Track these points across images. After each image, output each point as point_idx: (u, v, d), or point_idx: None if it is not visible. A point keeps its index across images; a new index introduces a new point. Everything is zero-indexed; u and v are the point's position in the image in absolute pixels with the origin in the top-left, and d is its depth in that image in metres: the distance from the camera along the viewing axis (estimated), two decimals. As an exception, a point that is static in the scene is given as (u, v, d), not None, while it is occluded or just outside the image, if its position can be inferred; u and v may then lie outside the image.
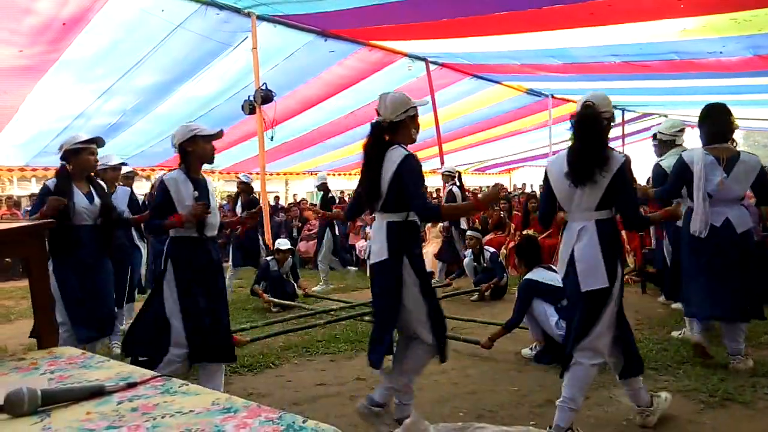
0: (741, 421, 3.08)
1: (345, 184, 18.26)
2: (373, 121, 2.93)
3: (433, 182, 17.03)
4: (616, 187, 2.75)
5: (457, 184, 8.07)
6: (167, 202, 3.19)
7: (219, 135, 3.32)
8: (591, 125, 2.81)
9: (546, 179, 2.99)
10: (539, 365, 4.20)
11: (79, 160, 3.71)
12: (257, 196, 7.84)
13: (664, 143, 4.77)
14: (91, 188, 3.78)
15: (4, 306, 7.50)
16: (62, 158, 3.73)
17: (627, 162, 2.81)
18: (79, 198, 3.67)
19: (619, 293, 2.82)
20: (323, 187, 8.54)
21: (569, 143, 2.92)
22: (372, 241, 2.97)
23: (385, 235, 2.82)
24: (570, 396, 2.80)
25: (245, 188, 7.72)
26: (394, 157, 2.79)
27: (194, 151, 3.26)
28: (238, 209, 7.54)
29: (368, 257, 3.00)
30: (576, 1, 5.78)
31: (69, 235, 3.59)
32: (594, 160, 2.74)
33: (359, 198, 3.07)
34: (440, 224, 9.50)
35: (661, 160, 4.71)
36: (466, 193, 8.63)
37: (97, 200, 3.75)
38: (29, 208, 12.01)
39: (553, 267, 4.61)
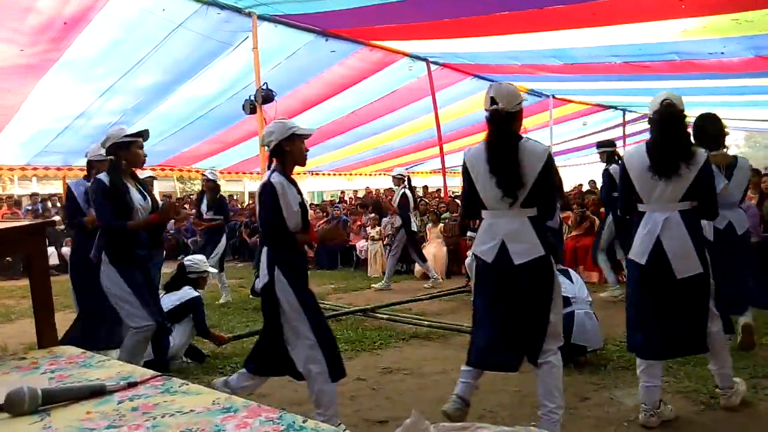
0: (742, 421, 3.08)
1: (345, 184, 18.27)
2: (492, 109, 2.75)
3: (434, 182, 17.06)
4: (701, 180, 2.91)
5: (408, 186, 8.10)
6: (278, 207, 2.92)
7: (311, 134, 3.17)
8: (677, 122, 2.96)
9: (625, 173, 3.09)
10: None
11: (128, 155, 3.44)
12: (225, 196, 7.65)
13: None
14: (137, 185, 3.56)
15: (4, 305, 7.50)
16: (109, 153, 3.46)
17: (709, 157, 2.98)
18: (134, 194, 3.45)
19: (711, 279, 3.01)
20: None
21: (647, 138, 3.06)
22: (507, 240, 2.70)
23: (532, 231, 2.69)
24: (725, 362, 3.12)
25: (212, 186, 7.17)
26: (537, 150, 2.70)
27: (292, 150, 3.02)
28: (204, 208, 7.11)
29: (499, 259, 2.68)
30: (577, 2, 5.78)
31: (130, 234, 3.40)
32: (680, 154, 2.89)
33: (474, 195, 2.85)
34: (440, 225, 9.51)
35: None
36: (416, 195, 8.91)
37: (148, 197, 3.54)
38: (30, 207, 12.07)
39: (570, 272, 4.49)
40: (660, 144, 2.95)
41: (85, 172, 4.80)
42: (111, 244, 3.38)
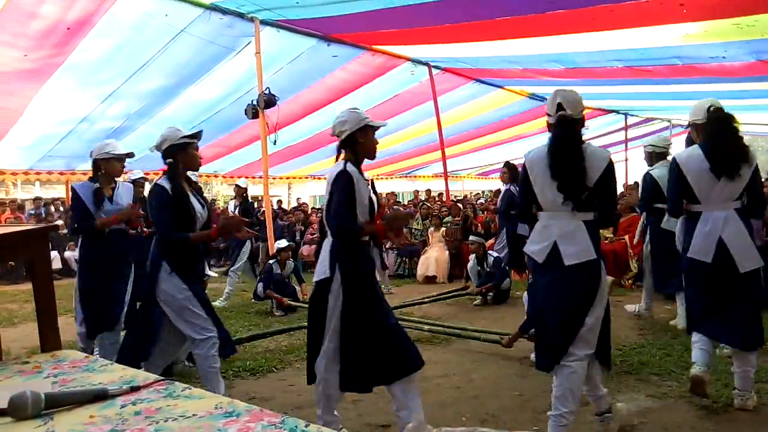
0: (744, 427, 3.07)
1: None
2: (560, 115, 2.76)
3: (436, 186, 17.07)
4: (754, 179, 3.14)
5: (372, 191, 8.04)
6: (353, 198, 2.82)
7: (384, 126, 3.03)
8: (731, 125, 3.16)
9: (681, 175, 3.24)
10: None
11: (186, 157, 3.23)
12: (207, 199, 7.44)
13: (658, 155, 5.15)
14: (193, 190, 3.33)
15: (7, 309, 7.51)
16: (166, 155, 3.22)
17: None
18: (194, 201, 3.25)
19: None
20: (243, 193, 7.88)
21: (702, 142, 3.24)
22: (560, 241, 2.72)
23: (586, 234, 2.71)
24: (753, 365, 3.20)
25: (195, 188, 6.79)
26: (599, 155, 2.74)
27: (365, 142, 2.89)
28: None
29: (549, 260, 2.72)
30: (578, 6, 5.80)
31: (191, 246, 3.21)
32: (741, 155, 3.10)
33: (530, 196, 2.84)
34: (442, 229, 9.51)
35: (652, 169, 5.11)
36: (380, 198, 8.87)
37: (205, 205, 3.36)
38: (33, 211, 12.10)
39: None
40: (721, 147, 3.12)
41: (89, 175, 4.69)
42: (171, 253, 3.17)
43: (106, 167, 4.06)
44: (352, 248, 2.87)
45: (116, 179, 4.20)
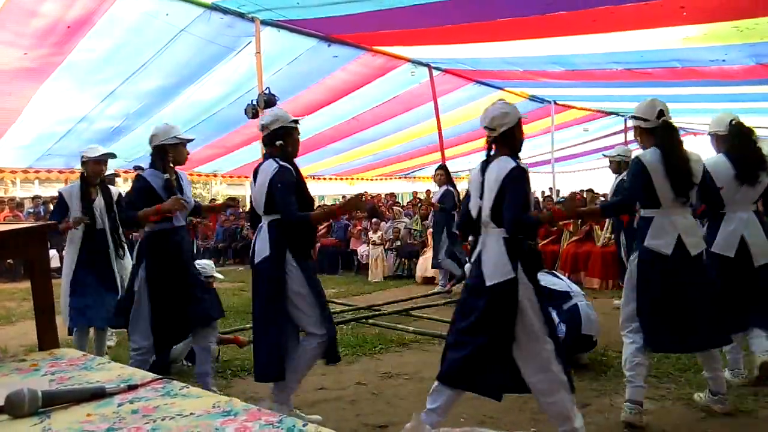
0: (743, 429, 3.07)
1: (347, 189, 18.28)
2: (664, 119, 3.13)
3: (435, 187, 17.04)
4: None
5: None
6: (529, 192, 2.71)
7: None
8: (752, 138, 3.52)
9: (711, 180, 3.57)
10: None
11: (291, 141, 3.20)
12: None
13: (626, 163, 5.58)
14: None
15: (5, 307, 7.51)
16: (275, 138, 3.15)
17: None
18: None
19: None
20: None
21: (725, 152, 3.57)
22: (683, 234, 3.04)
23: (699, 226, 3.21)
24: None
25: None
26: (697, 157, 3.11)
27: (519, 137, 2.81)
28: None
29: (677, 251, 2.99)
30: (578, 9, 5.80)
31: (312, 230, 3.24)
32: (761, 164, 3.46)
33: (640, 193, 3.11)
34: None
35: (621, 177, 5.74)
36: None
37: None
38: (32, 210, 12.07)
39: (556, 273, 4.66)
40: (743, 157, 3.48)
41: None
42: (294, 239, 3.07)
43: (175, 153, 3.56)
44: (522, 245, 2.68)
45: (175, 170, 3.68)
